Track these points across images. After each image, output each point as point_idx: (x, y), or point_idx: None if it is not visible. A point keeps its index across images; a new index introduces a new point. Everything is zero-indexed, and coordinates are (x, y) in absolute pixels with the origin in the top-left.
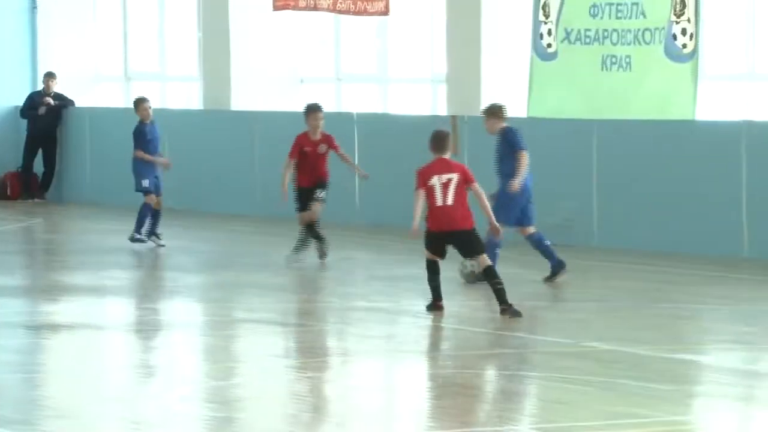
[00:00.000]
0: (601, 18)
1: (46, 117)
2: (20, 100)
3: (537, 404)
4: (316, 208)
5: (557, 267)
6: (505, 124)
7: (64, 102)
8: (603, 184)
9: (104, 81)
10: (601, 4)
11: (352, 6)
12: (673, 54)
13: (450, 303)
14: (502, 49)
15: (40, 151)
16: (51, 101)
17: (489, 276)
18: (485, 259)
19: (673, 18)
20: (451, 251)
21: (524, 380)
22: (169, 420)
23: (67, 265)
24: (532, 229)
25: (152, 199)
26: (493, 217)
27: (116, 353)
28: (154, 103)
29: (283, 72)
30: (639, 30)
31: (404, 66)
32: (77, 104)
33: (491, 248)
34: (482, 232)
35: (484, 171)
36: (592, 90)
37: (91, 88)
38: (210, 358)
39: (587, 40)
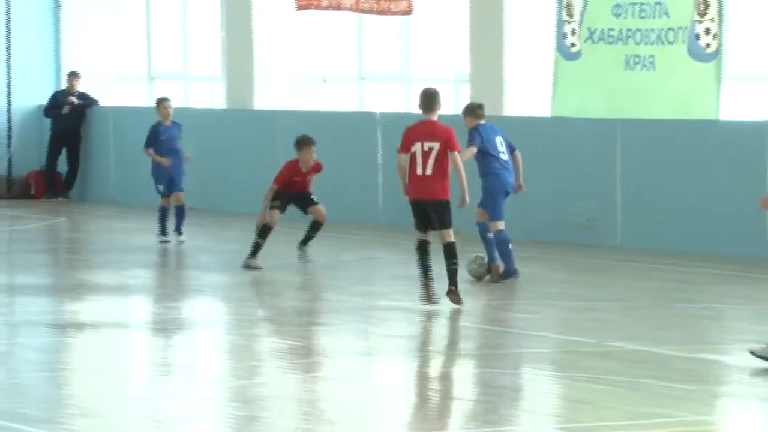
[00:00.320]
0: (625, 18)
1: (69, 116)
2: (44, 99)
3: (561, 404)
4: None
5: (511, 272)
6: (480, 122)
7: (87, 101)
8: (626, 184)
9: (127, 80)
10: (624, 4)
11: (375, 5)
12: (697, 53)
13: (473, 303)
14: (525, 49)
15: (63, 151)
16: (75, 100)
17: (448, 254)
18: (450, 234)
19: (697, 17)
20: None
21: (548, 380)
22: (192, 419)
23: (91, 263)
24: (501, 225)
25: (163, 201)
26: (466, 192)
27: (139, 352)
28: (177, 102)
29: (306, 71)
30: (662, 30)
31: (427, 65)
32: (101, 103)
33: (504, 245)
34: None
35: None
36: (615, 90)
37: (115, 87)
38: (233, 357)
39: (610, 39)
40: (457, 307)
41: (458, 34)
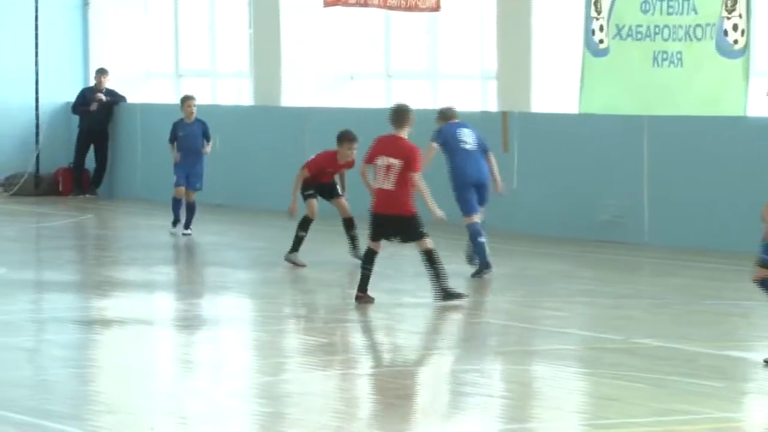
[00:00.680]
0: (653, 14)
1: (97, 113)
2: (72, 97)
3: (588, 401)
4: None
5: (484, 265)
6: (451, 121)
7: (115, 98)
8: (653, 181)
9: (155, 77)
10: (652, 0)
11: (402, 2)
12: (725, 50)
13: (499, 299)
14: (552, 45)
15: (91, 147)
16: (103, 97)
17: (430, 260)
18: (426, 243)
19: (724, 14)
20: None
21: (574, 377)
22: (217, 415)
23: (118, 260)
24: (474, 218)
25: (177, 191)
26: (433, 206)
27: (165, 349)
28: (205, 100)
29: (333, 68)
30: (690, 26)
31: (454, 62)
32: (129, 100)
33: (475, 237)
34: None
35: (535, 167)
36: (643, 86)
37: (143, 84)
38: (259, 354)
39: (638, 36)
40: (459, 302)
41: (485, 30)
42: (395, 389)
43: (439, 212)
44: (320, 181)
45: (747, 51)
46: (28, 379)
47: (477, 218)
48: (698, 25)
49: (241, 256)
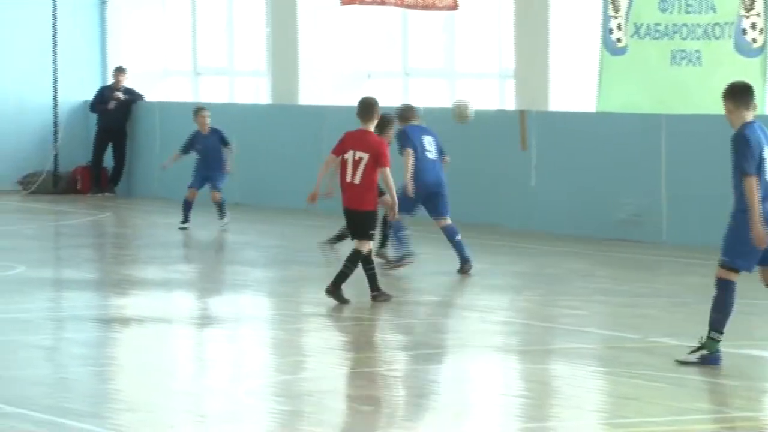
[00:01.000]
0: (671, 13)
1: (115, 111)
2: (90, 95)
3: (606, 400)
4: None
5: (465, 264)
6: (409, 123)
7: (133, 96)
8: (671, 180)
9: (173, 76)
10: None
11: (420, 0)
12: (743, 48)
13: (516, 298)
14: (570, 44)
15: (109, 146)
16: (121, 96)
17: (352, 260)
18: (365, 245)
19: (743, 12)
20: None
21: (592, 376)
22: (236, 413)
23: (136, 258)
24: (446, 221)
25: (190, 192)
26: (396, 205)
27: (185, 347)
28: (222, 98)
29: (351, 67)
30: (709, 25)
31: (472, 61)
32: (146, 99)
33: (396, 231)
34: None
35: (552, 165)
36: (661, 85)
37: (160, 82)
38: (278, 352)
39: (657, 34)
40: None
41: (503, 29)
42: (415, 388)
43: (397, 214)
44: None
45: (765, 50)
46: (47, 378)
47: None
48: (717, 24)
49: (259, 255)
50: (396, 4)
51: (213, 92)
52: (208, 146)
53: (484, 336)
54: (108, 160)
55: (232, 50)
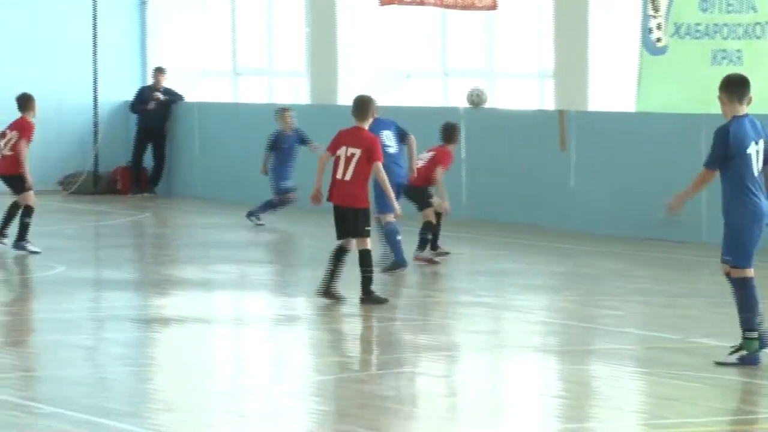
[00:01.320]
0: (712, 12)
1: (155, 112)
2: (130, 95)
3: (645, 400)
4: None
5: (398, 263)
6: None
7: (173, 97)
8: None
9: (212, 76)
10: None
11: (459, 0)
12: None
13: (555, 298)
14: (609, 44)
15: (149, 146)
16: (160, 96)
17: (362, 262)
18: (366, 242)
19: None
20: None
21: (631, 376)
22: (275, 414)
23: (176, 259)
24: (388, 218)
25: (283, 197)
26: (393, 201)
27: (224, 347)
28: (262, 98)
29: (390, 67)
30: (750, 24)
31: (511, 61)
32: (186, 99)
33: (392, 235)
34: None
35: (591, 165)
36: (701, 85)
37: (200, 83)
38: (316, 353)
39: (697, 34)
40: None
41: (542, 29)
42: (452, 388)
43: (398, 208)
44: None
45: None
46: (86, 377)
47: (391, 218)
48: (758, 23)
49: (299, 254)
50: (435, 4)
51: (252, 92)
52: (292, 146)
53: (522, 336)
54: (148, 160)
55: (271, 50)
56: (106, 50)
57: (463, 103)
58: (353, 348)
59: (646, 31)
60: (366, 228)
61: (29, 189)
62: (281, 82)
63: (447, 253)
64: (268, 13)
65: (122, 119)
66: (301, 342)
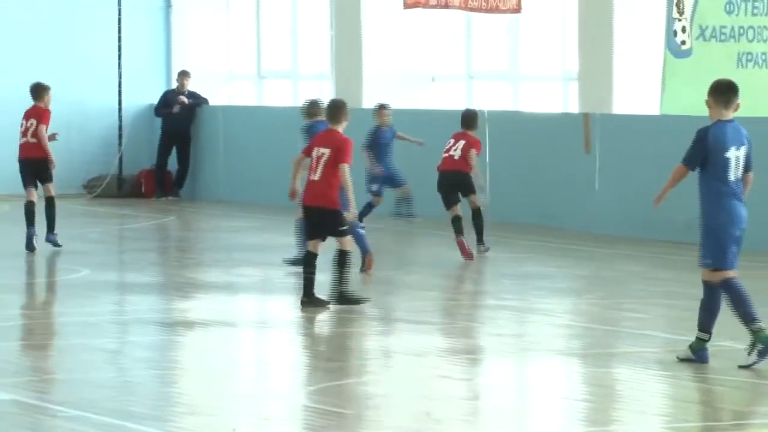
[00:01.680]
0: (737, 15)
1: (180, 115)
2: (155, 99)
3: (669, 403)
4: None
5: (364, 253)
6: (316, 119)
7: (197, 100)
8: None
9: (237, 79)
10: (736, 1)
11: (483, 3)
12: None
13: (578, 301)
14: (634, 47)
15: (174, 149)
16: (185, 99)
17: (341, 261)
18: (345, 242)
19: None
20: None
21: (655, 379)
22: (298, 417)
23: (200, 262)
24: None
25: (375, 199)
26: (352, 203)
27: (247, 350)
28: (286, 101)
29: (415, 70)
30: None
31: (536, 63)
32: (211, 102)
33: (353, 227)
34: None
35: (616, 168)
36: None
37: (225, 86)
38: (339, 356)
39: (722, 37)
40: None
41: (567, 32)
42: (476, 391)
43: (353, 212)
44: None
45: None
46: (110, 381)
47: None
48: None
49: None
50: (460, 7)
51: (277, 96)
52: (390, 142)
53: (546, 339)
54: (172, 163)
55: (296, 53)
56: (131, 54)
57: (488, 106)
58: (375, 351)
59: (671, 33)
60: (341, 228)
61: (53, 168)
62: (306, 85)
63: (488, 249)
64: (292, 16)
65: (147, 122)
66: (325, 345)
